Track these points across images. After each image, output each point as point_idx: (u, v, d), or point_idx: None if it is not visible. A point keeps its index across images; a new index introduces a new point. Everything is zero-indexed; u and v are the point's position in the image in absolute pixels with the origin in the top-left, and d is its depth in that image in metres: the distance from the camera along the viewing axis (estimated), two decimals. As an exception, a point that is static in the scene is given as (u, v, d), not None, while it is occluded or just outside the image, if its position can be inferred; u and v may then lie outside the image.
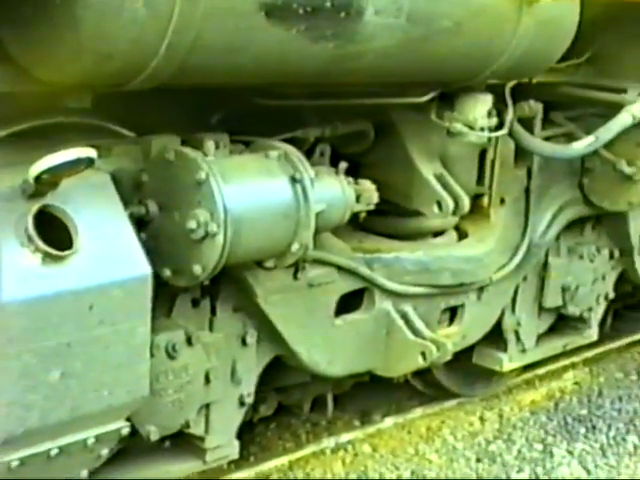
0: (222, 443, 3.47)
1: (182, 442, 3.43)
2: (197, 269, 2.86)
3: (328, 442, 4.52)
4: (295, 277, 3.39)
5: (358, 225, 3.66)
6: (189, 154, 2.86)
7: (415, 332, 3.77)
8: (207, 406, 3.35)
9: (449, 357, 3.85)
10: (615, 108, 4.13)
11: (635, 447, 4.64)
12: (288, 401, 4.47)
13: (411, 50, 3.06)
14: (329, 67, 2.94)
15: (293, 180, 2.98)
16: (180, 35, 2.47)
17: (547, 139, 4.25)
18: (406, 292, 3.79)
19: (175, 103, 3.05)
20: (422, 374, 4.63)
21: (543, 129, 4.27)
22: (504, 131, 3.78)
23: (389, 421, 4.76)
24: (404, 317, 3.79)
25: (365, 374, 4.06)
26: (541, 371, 5.30)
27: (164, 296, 3.09)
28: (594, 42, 4.25)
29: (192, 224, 2.81)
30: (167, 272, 2.92)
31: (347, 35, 2.84)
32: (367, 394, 4.83)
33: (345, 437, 4.56)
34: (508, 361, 4.60)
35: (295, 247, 3.02)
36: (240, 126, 3.23)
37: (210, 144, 2.91)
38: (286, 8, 2.65)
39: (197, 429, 3.36)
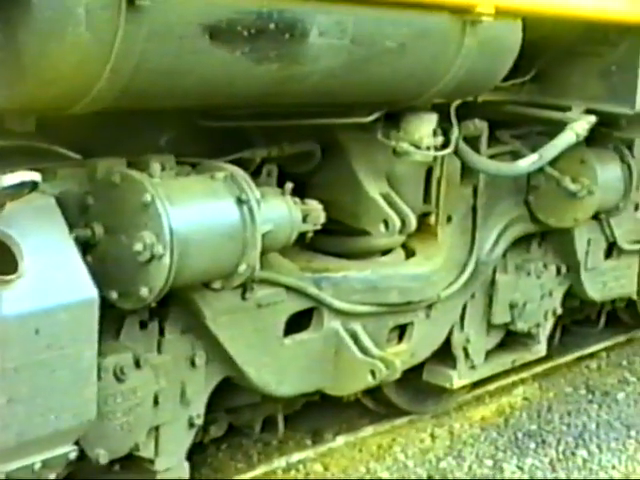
0: (172, 465, 3.47)
1: (132, 465, 3.43)
2: (144, 291, 2.86)
3: (279, 462, 4.52)
4: (243, 298, 3.40)
5: (306, 245, 3.68)
6: (135, 176, 2.87)
7: (364, 351, 3.80)
8: (156, 428, 3.34)
9: (398, 375, 3.89)
10: (559, 126, 4.20)
11: (584, 461, 4.69)
12: (239, 422, 4.46)
13: (355, 71, 3.10)
14: (274, 88, 2.97)
15: (239, 201, 3.00)
16: (123, 59, 2.48)
17: (493, 157, 4.31)
18: (354, 311, 3.82)
19: (122, 125, 3.05)
20: (373, 392, 4.65)
21: (489, 147, 4.33)
22: (449, 150, 3.83)
23: (340, 440, 4.77)
24: (353, 336, 3.81)
25: (315, 393, 4.07)
26: (491, 387, 5.34)
27: (112, 319, 3.08)
28: (538, 61, 4.32)
29: (138, 246, 2.82)
30: (114, 295, 2.92)
31: (291, 56, 2.88)
32: (318, 413, 4.84)
33: (296, 457, 4.57)
34: (458, 378, 4.65)
35: (242, 268, 3.04)
36: (187, 148, 3.25)
37: (156, 166, 2.92)
38: (230, 30, 2.67)
39: (147, 451, 3.35)
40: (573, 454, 4.75)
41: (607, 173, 4.62)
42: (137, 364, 3.15)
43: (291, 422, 4.74)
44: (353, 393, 4.25)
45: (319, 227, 3.38)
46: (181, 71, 2.68)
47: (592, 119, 4.19)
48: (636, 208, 5.10)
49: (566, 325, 5.87)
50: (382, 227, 3.78)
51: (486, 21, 3.33)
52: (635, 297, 5.20)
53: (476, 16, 3.31)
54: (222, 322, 3.37)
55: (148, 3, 2.44)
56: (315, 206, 3.36)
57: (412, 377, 4.56)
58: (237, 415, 4.38)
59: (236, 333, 3.44)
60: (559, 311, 5.04)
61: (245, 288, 3.36)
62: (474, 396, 5.27)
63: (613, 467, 4.66)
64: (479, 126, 4.20)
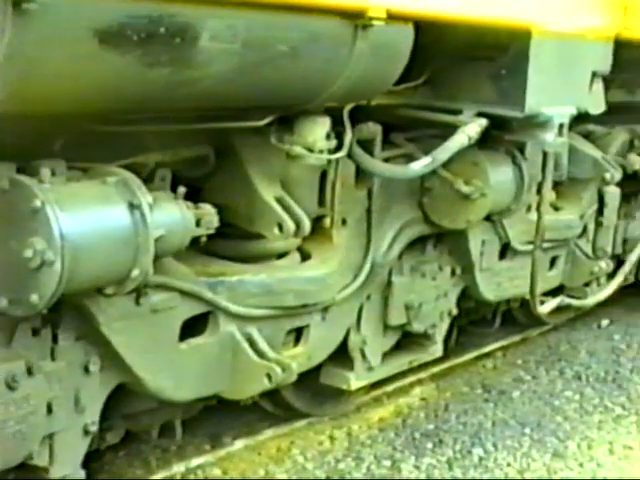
0: (67, 473, 3.45)
1: (26, 474, 3.40)
2: (34, 298, 2.85)
3: (178, 467, 4.52)
4: (137, 303, 3.40)
5: (202, 249, 3.69)
6: (24, 181, 2.86)
7: (260, 354, 3.83)
8: (50, 436, 3.32)
9: (294, 378, 3.92)
10: (452, 129, 4.29)
11: (480, 459, 4.79)
12: (136, 428, 4.45)
13: (247, 75, 3.13)
14: (166, 93, 2.98)
15: (131, 206, 3.01)
16: (10, 63, 2.46)
17: (387, 160, 4.37)
18: (250, 315, 3.85)
19: (14, 130, 3.02)
20: (271, 395, 4.69)
21: (383, 150, 4.39)
22: (343, 153, 3.89)
23: (239, 444, 4.80)
24: (249, 340, 3.84)
25: (213, 398, 4.08)
26: (389, 388, 5.43)
27: (3, 326, 3.07)
28: (431, 65, 4.40)
29: (28, 253, 2.81)
30: (4, 302, 2.90)
31: (183, 61, 2.89)
32: (217, 417, 4.86)
33: (195, 461, 4.58)
34: (355, 380, 4.70)
35: (135, 273, 3.04)
36: (82, 153, 3.23)
37: (46, 171, 2.91)
38: (120, 35, 2.67)
39: (41, 460, 3.33)
40: (469, 452, 4.85)
41: (499, 175, 4.72)
42: (30, 372, 3.13)
43: (190, 427, 4.74)
44: (251, 397, 4.26)
45: (213, 231, 3.40)
46: (71, 76, 2.67)
47: (483, 122, 4.29)
48: (528, 209, 5.23)
49: (462, 325, 6.00)
50: (276, 230, 3.82)
51: (377, 25, 3.39)
52: (528, 297, 5.30)
53: (367, 20, 3.36)
54: (116, 328, 3.36)
55: (36, 7, 2.42)
56: (209, 210, 3.38)
57: (310, 379, 4.60)
58: (134, 421, 4.36)
59: (131, 339, 3.43)
60: (455, 312, 5.14)
61: (139, 293, 3.36)
62: (372, 397, 5.35)
63: (508, 464, 4.77)
64: (373, 129, 4.26)
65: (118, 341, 3.39)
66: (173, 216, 3.22)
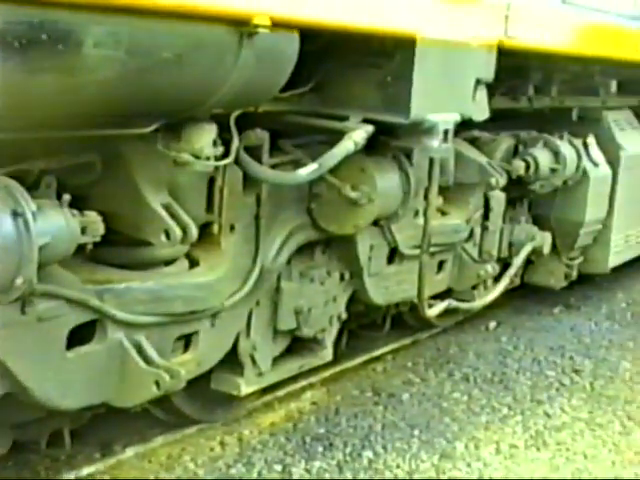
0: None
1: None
2: None
3: (68, 476, 4.49)
4: (23, 312, 3.36)
5: (89, 257, 3.67)
6: None
7: (148, 361, 3.82)
8: None
9: (183, 385, 3.92)
10: (339, 135, 4.34)
11: (370, 461, 4.86)
12: (24, 437, 4.40)
13: (132, 82, 3.13)
14: (50, 99, 2.96)
15: (14, 214, 2.99)
16: None
17: (274, 166, 4.40)
18: (138, 322, 3.83)
19: None
20: (162, 402, 4.68)
21: (271, 157, 4.42)
22: (229, 160, 3.91)
23: (130, 451, 4.78)
24: (137, 347, 3.82)
25: (102, 406, 4.06)
26: (280, 393, 5.46)
27: None
28: (318, 71, 4.45)
29: None
30: None
31: (66, 68, 2.88)
32: (107, 426, 4.82)
33: (86, 470, 4.55)
34: (245, 385, 4.72)
35: (19, 281, 3.02)
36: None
37: None
38: (0, 41, 2.65)
39: None
40: (359, 455, 4.91)
41: (386, 181, 4.79)
42: None
43: (79, 436, 4.71)
44: (139, 404, 4.24)
45: (99, 239, 3.39)
46: (-49, 82, 2.65)
47: (369, 128, 4.35)
48: (416, 214, 5.31)
49: (353, 329, 6.06)
50: (163, 237, 3.82)
51: (262, 33, 3.42)
52: (417, 300, 5.39)
53: (252, 28, 3.39)
54: (1, 337, 3.31)
55: None
56: (94, 217, 3.37)
57: (201, 386, 4.61)
58: (22, 431, 4.32)
59: (16, 348, 3.39)
60: (344, 316, 5.19)
61: (24, 302, 3.32)
62: (263, 402, 5.37)
63: (397, 466, 4.84)
64: (260, 136, 4.29)
65: (3, 350, 3.35)
66: (58, 224, 3.20)
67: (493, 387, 5.96)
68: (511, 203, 6.55)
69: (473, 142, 6.15)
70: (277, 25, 3.48)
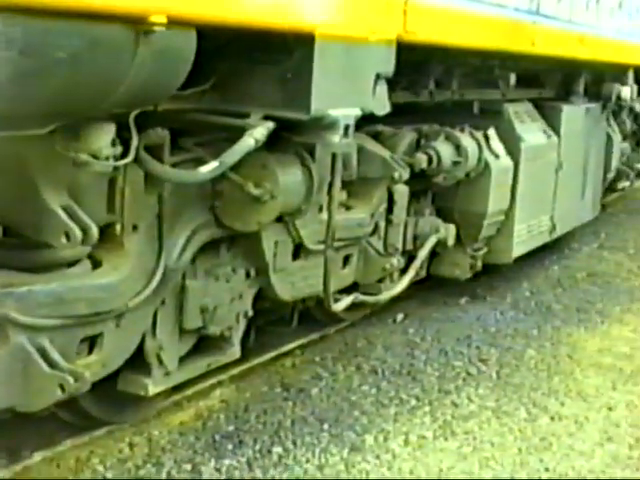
0: None
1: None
2: None
3: (-27, 485, 4.42)
4: None
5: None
6: None
7: (52, 365, 3.78)
8: None
9: (88, 387, 3.89)
10: (240, 132, 4.34)
11: (280, 457, 4.88)
12: None
13: (26, 82, 3.09)
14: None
15: None
16: None
17: (175, 165, 4.38)
18: (41, 325, 3.79)
19: None
20: (69, 405, 4.63)
21: (172, 155, 4.39)
22: (129, 159, 3.88)
23: (37, 456, 4.72)
24: (40, 350, 3.78)
25: (7, 411, 4.00)
26: (189, 392, 5.44)
27: None
28: (218, 68, 4.45)
29: None
30: None
31: (-43, 69, 2.84)
32: (14, 431, 4.75)
33: (-9, 477, 4.48)
34: (153, 385, 4.69)
35: None
36: None
37: None
38: None
39: None
40: (269, 452, 4.92)
41: (288, 177, 4.81)
42: None
43: (-16, 443, 4.64)
44: (45, 408, 4.19)
45: (-5, 242, 3.34)
46: None
47: (270, 125, 4.36)
48: (320, 210, 5.34)
49: (260, 326, 6.06)
50: (64, 239, 3.78)
51: (159, 31, 3.40)
52: (323, 295, 5.42)
53: (149, 26, 3.37)
54: None
55: None
56: (-9, 220, 3.33)
57: (109, 387, 4.57)
58: None
59: None
60: (251, 313, 5.20)
61: None
62: (173, 402, 5.35)
63: (307, 461, 4.87)
64: (161, 135, 4.26)
65: None
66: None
67: (401, 379, 6.03)
68: (415, 196, 6.62)
69: (376, 136, 6.20)
70: (174, 23, 3.46)
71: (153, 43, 3.44)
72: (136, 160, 3.99)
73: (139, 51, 3.42)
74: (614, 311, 7.78)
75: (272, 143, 4.51)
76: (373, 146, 6.02)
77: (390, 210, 6.25)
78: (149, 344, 4.59)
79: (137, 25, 3.37)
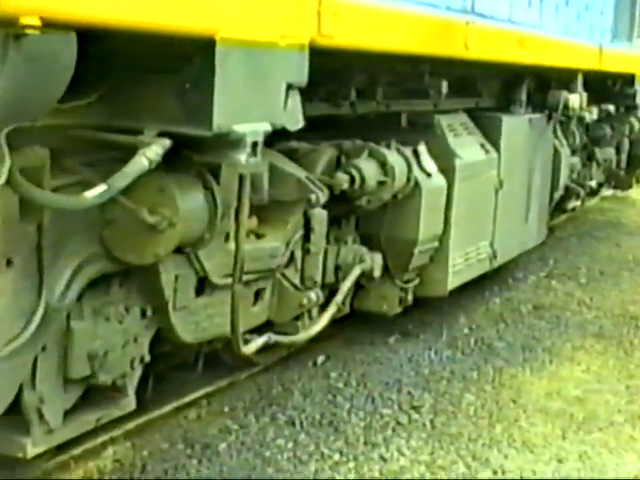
0: None
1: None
2: None
3: None
4: None
5: None
6: None
7: None
8: None
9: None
10: (132, 151, 4.31)
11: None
12: None
13: None
14: None
15: None
16: None
17: (58, 189, 4.33)
18: None
19: None
20: None
21: (54, 178, 4.34)
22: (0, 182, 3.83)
23: None
24: None
25: None
26: (76, 451, 5.36)
27: None
28: (107, 78, 4.42)
29: None
30: None
31: None
32: None
33: None
34: (32, 445, 4.62)
35: None
36: None
37: None
38: None
39: None
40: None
41: (189, 202, 4.79)
42: None
43: None
44: None
45: None
46: None
47: (166, 143, 4.35)
48: (227, 238, 5.33)
49: (160, 373, 6.01)
50: None
51: (32, 34, 3.37)
52: (231, 336, 5.40)
53: (20, 29, 3.34)
54: None
55: None
56: None
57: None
58: None
59: None
60: (148, 358, 5.16)
61: None
62: (58, 463, 5.26)
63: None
64: (39, 154, 4.21)
65: None
66: None
67: (322, 430, 6.02)
68: (335, 222, 6.65)
69: (290, 154, 6.21)
70: (49, 25, 3.43)
71: (25, 48, 3.41)
72: (9, 183, 3.93)
73: (9, 57, 3.38)
74: (564, 349, 7.89)
75: (170, 163, 4.50)
76: (287, 165, 6.03)
77: (307, 238, 6.26)
78: (28, 397, 4.52)
79: (6, 28, 3.33)
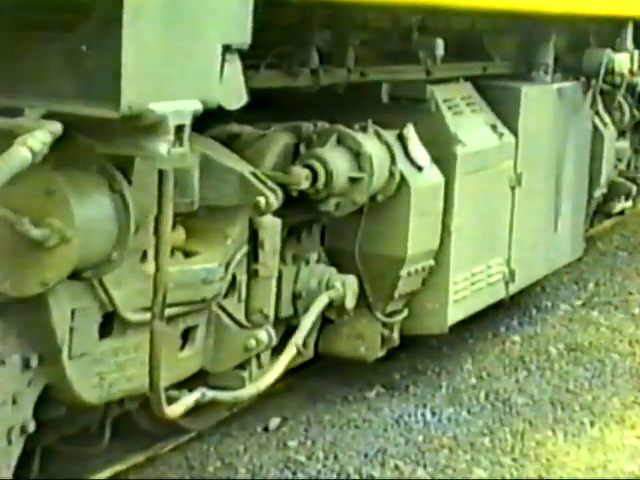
0: None
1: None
2: None
3: None
4: None
5: None
6: None
7: None
8: None
9: None
10: (9, 139, 4.30)
11: None
12: None
13: None
14: None
15: None
16: None
17: None
18: None
19: None
20: None
21: None
22: None
23: None
24: None
25: None
26: None
27: None
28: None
29: None
30: None
31: None
32: None
33: None
34: None
35: None
36: None
37: None
38: None
39: None
40: None
41: (89, 209, 4.77)
42: None
43: None
44: None
45: None
46: None
47: (56, 127, 4.34)
48: (143, 258, 5.31)
49: (50, 446, 5.99)
50: None
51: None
52: (150, 393, 5.38)
53: None
54: None
55: None
56: None
57: None
58: None
59: None
60: (32, 427, 5.13)
61: None
62: None
63: None
64: None
65: None
66: None
67: (277, 524, 6.04)
68: (293, 234, 6.66)
69: (229, 142, 6.21)
70: None
71: None
72: None
73: None
74: (610, 406, 7.92)
75: (62, 156, 4.49)
76: (225, 157, 6.02)
77: (255, 256, 6.25)
78: None
79: None
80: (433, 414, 7.58)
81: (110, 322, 5.35)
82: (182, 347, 5.93)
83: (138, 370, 5.41)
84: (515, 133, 8.29)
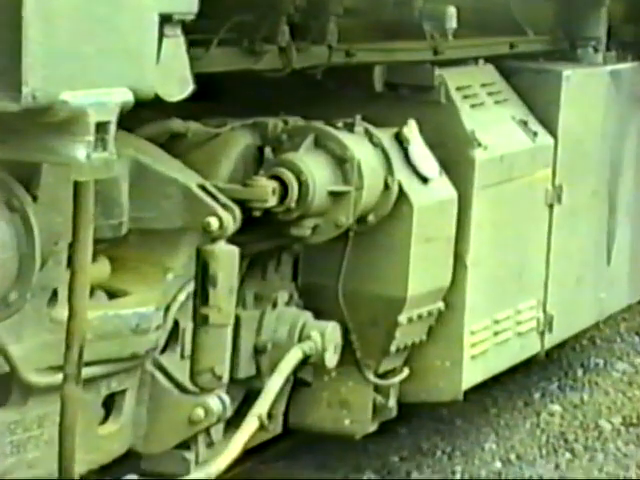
0: None
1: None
2: None
3: None
4: None
5: None
6: None
7: None
8: None
9: None
10: None
11: None
12: None
13: None
14: None
15: None
16: None
17: None
18: None
19: None
20: None
21: None
22: None
23: None
24: None
25: None
26: None
27: None
28: None
29: None
30: None
31: None
32: None
33: None
34: None
35: None
36: None
37: None
38: None
39: None
40: None
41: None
42: None
43: None
44: None
45: None
46: None
47: None
48: (52, 299, 5.34)
49: None
50: None
51: None
52: (53, 480, 5.42)
53: None
54: None
55: None
56: None
57: None
58: None
59: None
60: None
61: None
62: None
63: None
64: None
65: None
66: None
67: None
68: (256, 266, 6.70)
69: (171, 145, 6.25)
70: None
71: None
72: None
73: None
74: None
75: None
76: (164, 164, 6.06)
77: (204, 297, 6.27)
78: None
79: None
80: (448, 508, 7.62)
81: (5, 387, 5.37)
82: (104, 420, 5.94)
83: (43, 452, 5.44)
84: (554, 132, 8.32)
